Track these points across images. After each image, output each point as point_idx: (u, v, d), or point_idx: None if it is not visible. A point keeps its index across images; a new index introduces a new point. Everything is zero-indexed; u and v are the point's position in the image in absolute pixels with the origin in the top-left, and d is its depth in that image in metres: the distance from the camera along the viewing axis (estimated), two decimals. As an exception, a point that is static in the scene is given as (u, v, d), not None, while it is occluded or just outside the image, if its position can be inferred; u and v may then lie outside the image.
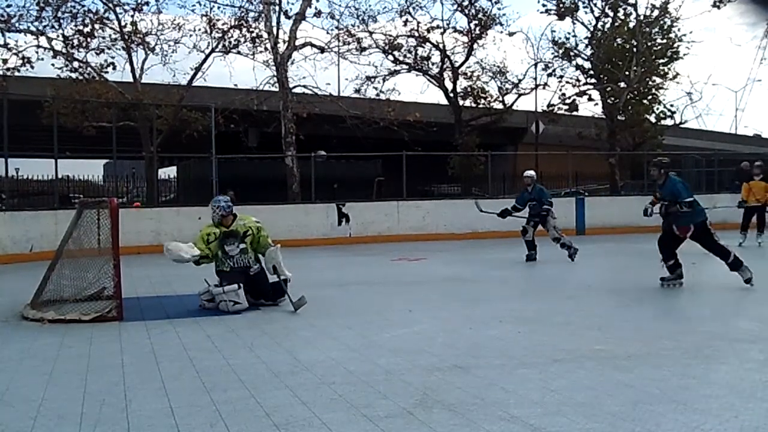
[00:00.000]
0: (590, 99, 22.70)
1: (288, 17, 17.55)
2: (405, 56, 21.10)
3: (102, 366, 4.58)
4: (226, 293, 6.55)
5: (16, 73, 16.61)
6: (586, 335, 5.23)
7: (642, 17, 21.61)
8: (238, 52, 18.35)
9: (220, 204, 6.94)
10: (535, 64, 22.69)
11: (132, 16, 17.37)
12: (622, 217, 16.83)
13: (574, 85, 22.64)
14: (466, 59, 21.56)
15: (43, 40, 16.59)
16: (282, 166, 16.99)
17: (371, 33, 19.98)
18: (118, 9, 17.14)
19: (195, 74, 18.18)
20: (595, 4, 21.75)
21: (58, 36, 16.84)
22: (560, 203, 17.19)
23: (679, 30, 22.18)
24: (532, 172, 11.27)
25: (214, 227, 6.89)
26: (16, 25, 16.34)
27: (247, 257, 6.85)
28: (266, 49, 17.81)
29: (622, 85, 21.68)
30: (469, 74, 22.12)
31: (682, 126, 24.79)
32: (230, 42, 18.04)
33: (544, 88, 22.95)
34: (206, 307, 6.67)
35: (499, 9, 21.10)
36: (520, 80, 22.52)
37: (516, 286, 8.25)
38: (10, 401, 3.85)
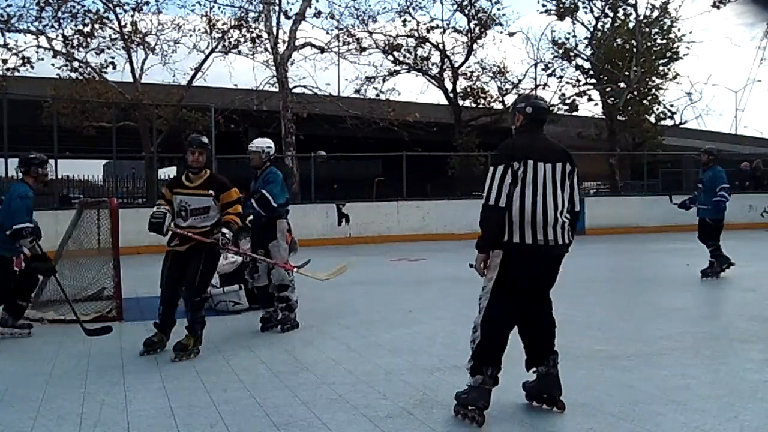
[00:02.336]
0: (590, 99, 22.71)
1: (288, 17, 17.57)
2: (405, 56, 21.09)
3: (102, 366, 4.58)
4: (227, 294, 6.54)
5: (16, 73, 16.60)
6: (586, 335, 5.23)
7: (642, 17, 21.61)
8: (238, 52, 18.37)
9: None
10: (535, 65, 22.69)
11: (132, 16, 17.40)
12: (622, 217, 16.85)
13: (574, 86, 22.64)
14: (466, 59, 21.56)
15: (43, 40, 16.62)
16: (282, 166, 16.98)
17: (371, 33, 19.99)
18: (118, 9, 17.15)
19: (195, 74, 18.20)
20: (595, 5, 21.75)
21: (58, 36, 16.87)
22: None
23: (678, 30, 22.21)
24: (261, 142, 6.14)
25: None
26: (16, 25, 16.35)
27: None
28: (266, 49, 17.82)
29: (622, 85, 21.67)
30: (469, 74, 22.11)
31: (682, 126, 24.78)
32: (230, 42, 18.06)
33: (544, 88, 22.94)
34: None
35: (499, 9, 21.10)
36: (520, 80, 22.51)
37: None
38: (10, 401, 3.85)
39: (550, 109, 22.74)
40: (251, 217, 5.75)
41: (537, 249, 3.33)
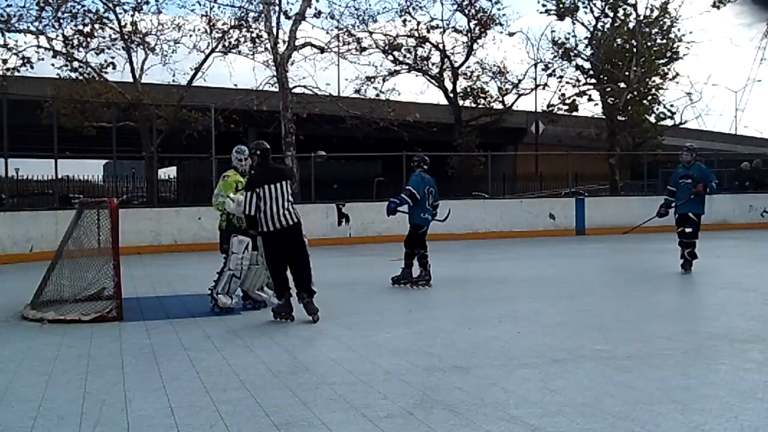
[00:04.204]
0: (590, 99, 22.72)
1: (288, 17, 17.56)
2: (405, 56, 21.11)
3: (102, 366, 4.58)
4: (244, 255, 6.46)
5: (16, 73, 16.59)
6: (586, 335, 5.23)
7: (642, 17, 21.61)
8: (238, 52, 18.37)
9: (243, 149, 6.71)
10: (535, 65, 22.72)
11: (132, 16, 17.39)
12: (622, 217, 16.79)
13: (574, 86, 22.65)
14: (466, 59, 21.58)
15: (43, 40, 16.60)
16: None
17: (371, 33, 20.01)
18: (117, 9, 17.15)
19: (195, 74, 18.19)
20: (594, 5, 21.76)
21: (58, 36, 16.86)
22: (561, 203, 17.31)
23: (678, 30, 22.22)
24: None
25: (239, 176, 6.62)
26: (16, 25, 16.33)
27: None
28: (266, 49, 17.81)
29: (622, 85, 21.67)
30: (469, 74, 22.14)
31: (682, 126, 24.79)
32: (230, 42, 18.05)
33: (543, 88, 22.98)
34: (225, 306, 6.49)
35: (499, 9, 21.14)
36: (520, 80, 22.55)
37: (516, 286, 8.25)
38: (10, 401, 3.85)
39: (551, 109, 23.00)
40: None
41: (275, 231, 5.94)
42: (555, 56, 22.55)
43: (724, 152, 28.71)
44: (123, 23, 17.20)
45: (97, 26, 16.98)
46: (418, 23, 20.91)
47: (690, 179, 8.81)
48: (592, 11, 21.85)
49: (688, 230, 8.79)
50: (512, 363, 4.43)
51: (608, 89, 21.81)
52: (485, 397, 3.70)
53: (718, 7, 20.39)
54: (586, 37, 22.29)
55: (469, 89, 22.24)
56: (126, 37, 17.15)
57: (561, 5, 21.39)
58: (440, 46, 21.31)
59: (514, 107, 23.14)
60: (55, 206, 13.52)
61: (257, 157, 6.15)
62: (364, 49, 19.78)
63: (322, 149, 17.50)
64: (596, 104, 22.77)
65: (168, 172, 28.69)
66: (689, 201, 8.76)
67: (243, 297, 6.78)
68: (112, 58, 17.35)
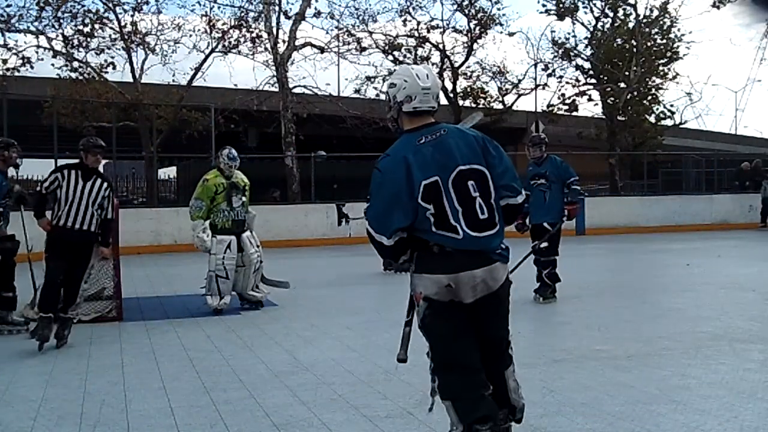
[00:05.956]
0: (590, 99, 22.71)
1: (288, 17, 17.56)
2: (405, 56, 21.09)
3: (102, 366, 4.58)
4: (225, 255, 6.46)
5: (16, 73, 16.58)
6: (586, 335, 5.23)
7: (642, 17, 21.62)
8: (238, 52, 18.35)
9: (235, 155, 6.81)
10: (535, 65, 22.67)
11: (132, 16, 17.37)
12: (622, 217, 16.85)
13: (574, 86, 22.64)
14: (466, 59, 21.56)
15: (43, 40, 16.58)
16: (282, 166, 16.97)
17: (371, 33, 19.99)
18: (117, 9, 17.13)
19: (195, 74, 18.16)
20: (594, 5, 21.75)
21: (58, 36, 16.84)
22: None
23: (678, 30, 22.22)
24: None
25: (221, 178, 6.71)
26: (16, 25, 16.32)
27: (244, 211, 6.77)
28: (266, 49, 17.80)
29: (622, 85, 21.67)
30: (468, 74, 22.12)
31: (681, 126, 24.78)
32: (230, 42, 18.03)
33: (543, 88, 22.93)
34: (213, 307, 6.49)
35: (498, 9, 21.11)
36: (520, 80, 22.51)
37: (516, 286, 8.23)
38: (10, 401, 3.86)
39: (551, 109, 22.98)
40: None
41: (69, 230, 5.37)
42: (555, 56, 22.53)
43: (724, 152, 28.71)
44: (123, 23, 17.19)
45: (97, 26, 16.96)
46: (418, 23, 20.90)
47: (543, 179, 6.81)
48: (592, 11, 21.84)
49: (543, 245, 6.74)
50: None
51: (608, 89, 21.80)
52: (485, 397, 3.69)
53: (718, 7, 20.38)
54: (586, 37, 22.28)
55: (469, 89, 22.22)
56: (126, 37, 17.13)
57: (561, 5, 21.37)
58: (440, 46, 21.30)
59: (514, 107, 23.12)
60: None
61: (99, 156, 6.09)
62: (364, 49, 19.78)
63: (322, 149, 17.50)
64: (596, 104, 22.78)
65: (168, 172, 28.64)
66: (543, 209, 6.75)
67: (239, 299, 6.78)
68: (112, 58, 17.34)
